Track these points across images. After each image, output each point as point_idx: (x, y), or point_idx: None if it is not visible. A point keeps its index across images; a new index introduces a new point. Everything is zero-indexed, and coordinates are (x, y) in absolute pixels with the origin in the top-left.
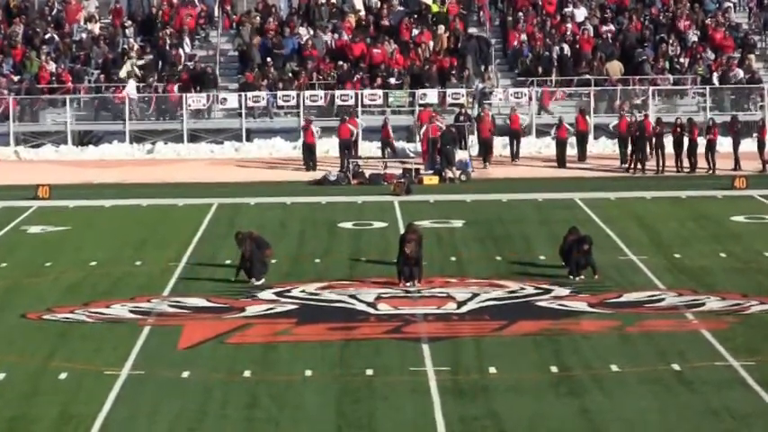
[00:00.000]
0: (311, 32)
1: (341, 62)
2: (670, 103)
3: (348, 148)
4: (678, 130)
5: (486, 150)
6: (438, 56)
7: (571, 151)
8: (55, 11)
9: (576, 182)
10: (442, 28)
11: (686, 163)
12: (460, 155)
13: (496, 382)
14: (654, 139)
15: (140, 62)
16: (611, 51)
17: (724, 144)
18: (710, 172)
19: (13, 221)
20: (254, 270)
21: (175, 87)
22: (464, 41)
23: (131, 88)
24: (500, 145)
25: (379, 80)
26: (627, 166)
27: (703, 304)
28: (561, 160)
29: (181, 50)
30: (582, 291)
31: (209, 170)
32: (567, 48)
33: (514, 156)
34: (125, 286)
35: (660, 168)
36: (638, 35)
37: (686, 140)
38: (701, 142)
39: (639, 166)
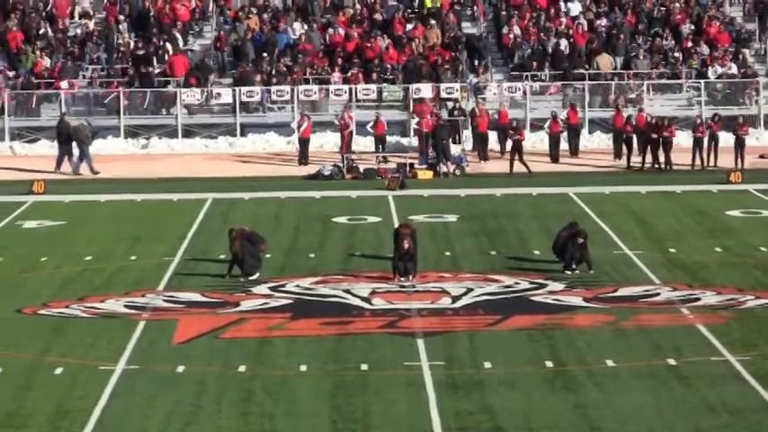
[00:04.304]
0: (305, 28)
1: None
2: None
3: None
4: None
5: (483, 145)
6: (431, 51)
7: (564, 145)
8: (49, 6)
9: (570, 176)
10: (433, 22)
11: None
12: (454, 149)
13: (491, 376)
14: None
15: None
16: (608, 45)
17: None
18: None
19: (9, 216)
20: (246, 266)
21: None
22: (471, 37)
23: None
24: (492, 140)
25: (374, 75)
26: (627, 165)
27: (699, 299)
28: (554, 155)
29: (168, 45)
30: (577, 285)
31: (204, 165)
32: (563, 42)
33: (503, 150)
34: (120, 281)
35: (654, 163)
36: (633, 29)
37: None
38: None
39: (640, 162)
